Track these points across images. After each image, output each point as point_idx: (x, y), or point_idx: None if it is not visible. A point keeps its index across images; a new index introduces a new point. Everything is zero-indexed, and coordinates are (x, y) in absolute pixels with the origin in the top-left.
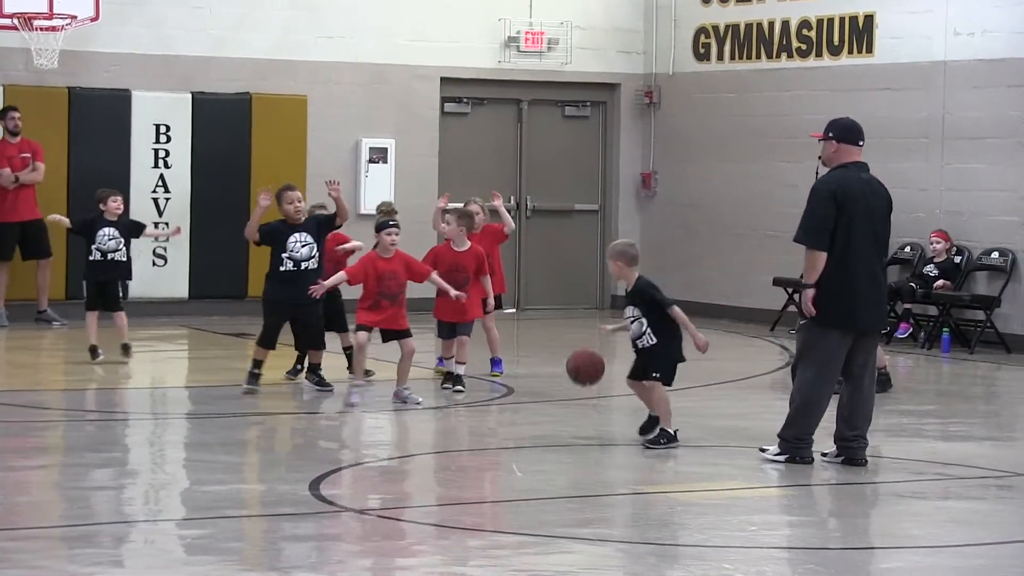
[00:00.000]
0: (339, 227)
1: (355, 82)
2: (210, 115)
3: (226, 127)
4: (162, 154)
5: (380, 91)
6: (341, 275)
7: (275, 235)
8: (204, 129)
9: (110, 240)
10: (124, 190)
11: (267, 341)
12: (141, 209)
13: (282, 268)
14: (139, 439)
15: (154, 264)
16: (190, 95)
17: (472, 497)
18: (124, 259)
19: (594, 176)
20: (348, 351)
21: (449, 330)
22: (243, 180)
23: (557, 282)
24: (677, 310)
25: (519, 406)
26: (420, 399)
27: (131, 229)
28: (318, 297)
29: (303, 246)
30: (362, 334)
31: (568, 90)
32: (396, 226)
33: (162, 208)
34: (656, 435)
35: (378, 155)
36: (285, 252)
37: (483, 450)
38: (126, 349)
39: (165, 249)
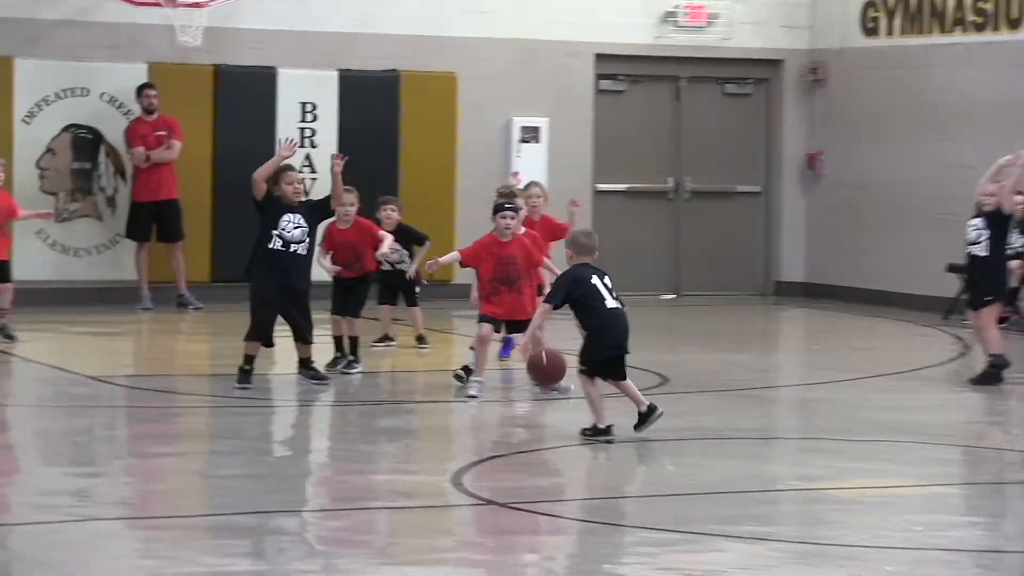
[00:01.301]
0: (334, 212)
1: (506, 59)
2: (357, 93)
3: (374, 106)
4: (308, 133)
5: (532, 68)
6: (456, 254)
7: (272, 205)
8: (351, 108)
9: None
10: None
11: (259, 333)
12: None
13: (270, 245)
14: (280, 426)
15: None
16: (336, 73)
17: (621, 491)
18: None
19: (756, 157)
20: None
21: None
22: (391, 161)
23: (717, 267)
24: (540, 306)
25: (673, 396)
26: (572, 386)
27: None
28: (433, 271)
29: (295, 228)
30: (485, 327)
31: (729, 67)
32: (512, 209)
33: (308, 189)
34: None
35: (530, 135)
36: (276, 229)
37: (632, 442)
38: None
39: None
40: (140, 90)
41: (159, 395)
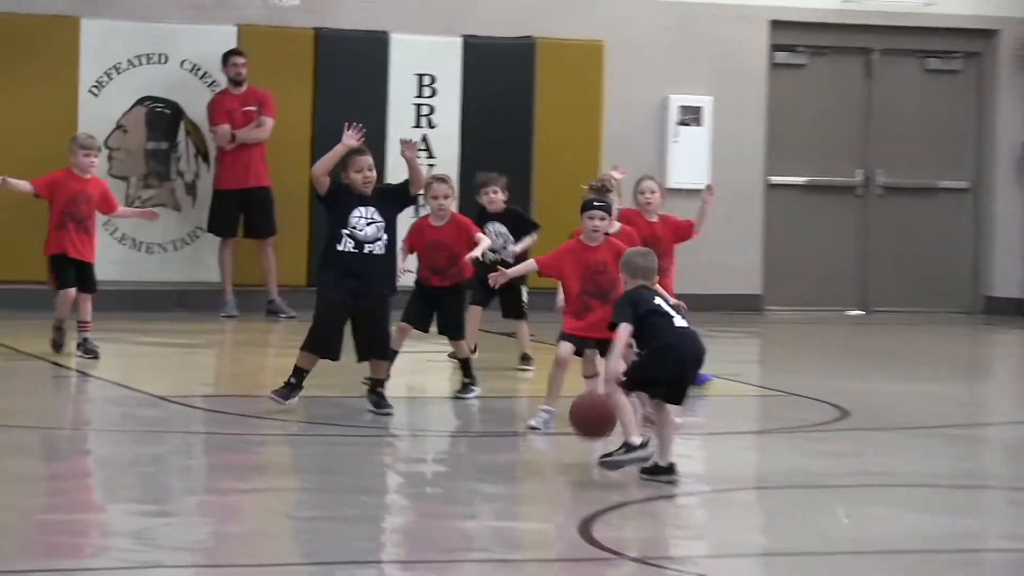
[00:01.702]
0: (415, 199)
1: (663, 25)
2: (485, 64)
3: (504, 79)
4: (425, 111)
5: (694, 37)
6: (531, 263)
7: (340, 198)
8: (477, 81)
9: None
10: (379, 153)
11: (318, 344)
12: (403, 177)
13: (339, 247)
14: (381, 459)
15: None
16: (460, 39)
17: (781, 547)
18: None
19: (964, 146)
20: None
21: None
22: (524, 145)
23: (914, 278)
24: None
25: (854, 432)
26: (540, 426)
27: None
28: (495, 286)
29: (368, 224)
30: (564, 346)
31: (932, 37)
32: (603, 207)
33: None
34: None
35: (690, 116)
36: (346, 228)
37: (799, 487)
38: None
39: None
40: (226, 58)
41: (241, 420)
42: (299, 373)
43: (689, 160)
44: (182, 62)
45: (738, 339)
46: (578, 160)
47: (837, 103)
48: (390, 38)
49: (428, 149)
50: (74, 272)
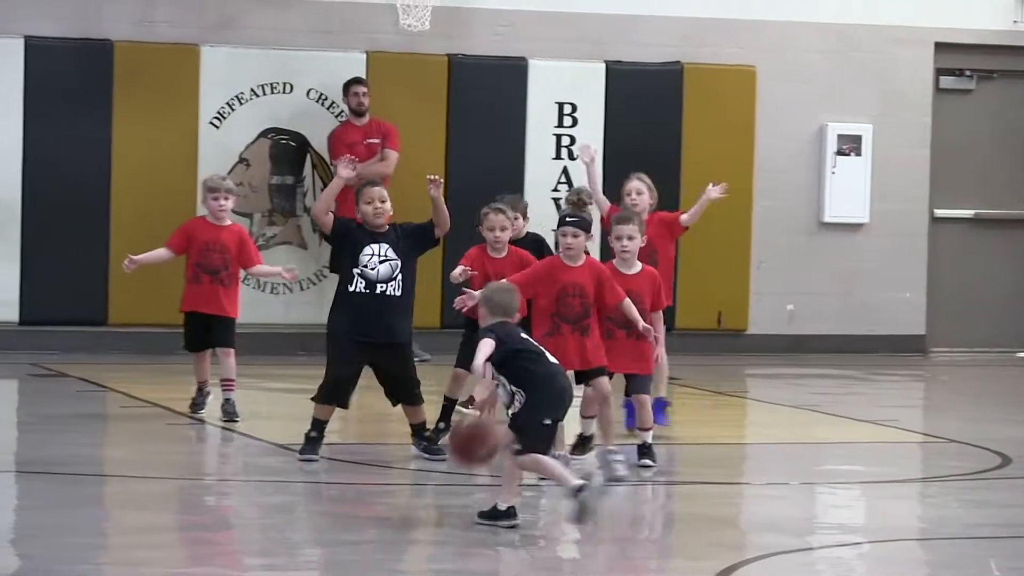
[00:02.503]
0: (438, 240)
1: (820, 48)
2: (630, 91)
3: (650, 107)
4: (566, 141)
5: (852, 61)
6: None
7: (348, 235)
8: (621, 109)
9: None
10: (517, 185)
11: (331, 394)
12: (538, 212)
13: (350, 288)
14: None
15: None
16: (603, 65)
17: None
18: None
19: None
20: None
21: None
22: (671, 175)
23: None
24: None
25: (1016, 482)
26: (626, 471)
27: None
28: (460, 309)
29: (382, 261)
30: (602, 381)
31: None
32: (578, 224)
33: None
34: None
35: (849, 145)
36: (357, 267)
37: (949, 539)
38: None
39: None
40: (347, 87)
41: (363, 468)
42: (318, 425)
43: (848, 192)
44: (308, 91)
45: (899, 383)
46: (728, 192)
47: (1007, 130)
48: (528, 64)
49: (570, 181)
50: (204, 330)
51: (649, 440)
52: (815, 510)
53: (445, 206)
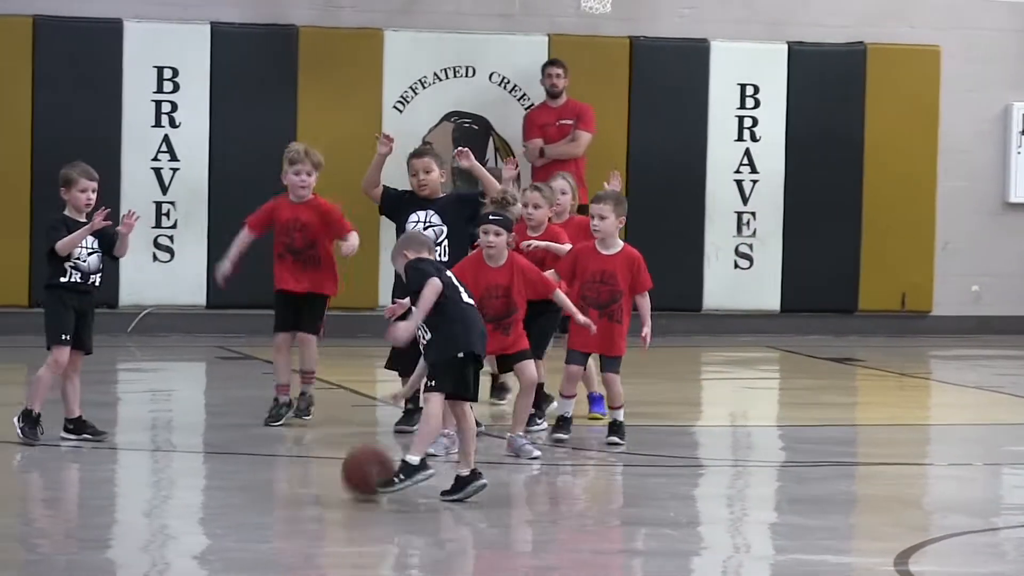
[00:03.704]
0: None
1: (1007, 27)
2: (811, 72)
3: (833, 87)
4: (748, 123)
5: None
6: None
7: (395, 205)
8: (803, 90)
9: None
10: (699, 168)
11: (393, 362)
12: (724, 196)
13: None
14: (686, 491)
15: (736, 266)
16: (785, 46)
17: None
18: None
19: None
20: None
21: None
22: (854, 158)
23: None
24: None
25: None
26: (538, 452)
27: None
28: (390, 318)
29: (427, 228)
30: (526, 365)
31: None
32: (499, 222)
33: (747, 193)
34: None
35: None
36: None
37: None
38: None
39: (751, 247)
40: (543, 68)
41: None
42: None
43: None
44: (491, 75)
45: None
46: (911, 174)
47: None
48: (711, 46)
49: (752, 164)
50: (293, 311)
51: (620, 418)
52: (1000, 491)
53: (488, 175)
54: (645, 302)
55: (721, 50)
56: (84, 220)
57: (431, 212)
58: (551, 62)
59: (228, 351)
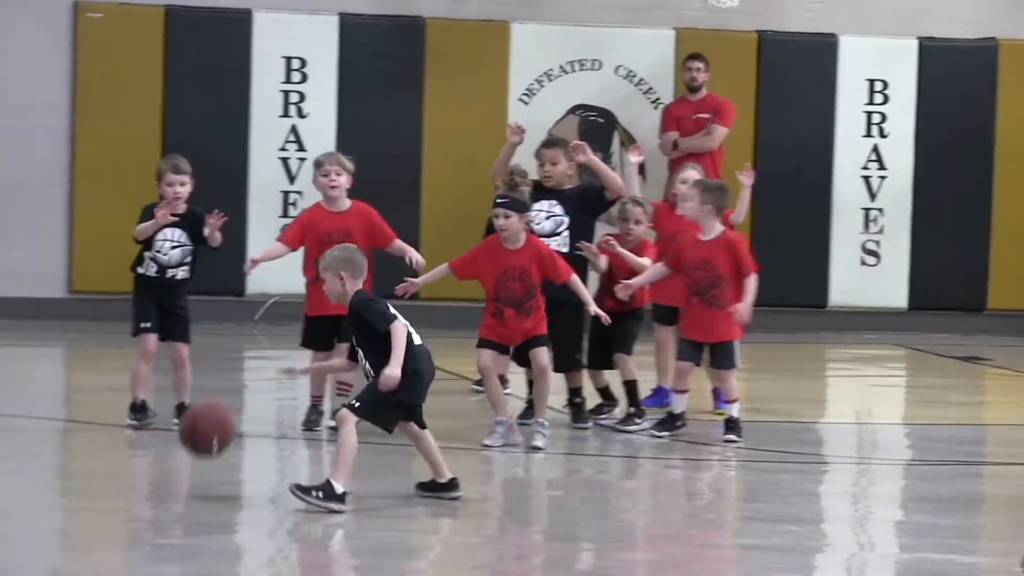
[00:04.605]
0: (612, 203)
1: None
2: (942, 68)
3: (964, 84)
4: (876, 119)
5: None
6: (443, 267)
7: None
8: (934, 86)
9: None
10: (825, 164)
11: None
12: (851, 192)
13: None
14: (831, 487)
15: (863, 263)
16: (916, 42)
17: None
18: None
19: None
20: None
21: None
22: (985, 155)
23: None
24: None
25: None
26: (543, 444)
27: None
28: (405, 296)
29: (548, 217)
30: (484, 353)
31: None
32: (509, 204)
33: (874, 190)
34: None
35: None
36: (534, 223)
37: None
38: None
39: (878, 244)
40: (683, 62)
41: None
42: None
43: None
44: (617, 68)
45: None
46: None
47: None
48: (839, 40)
49: (880, 160)
50: (331, 332)
51: (734, 414)
52: None
53: (606, 168)
54: (751, 283)
55: (850, 45)
56: (173, 213)
57: (554, 203)
58: (692, 56)
59: None
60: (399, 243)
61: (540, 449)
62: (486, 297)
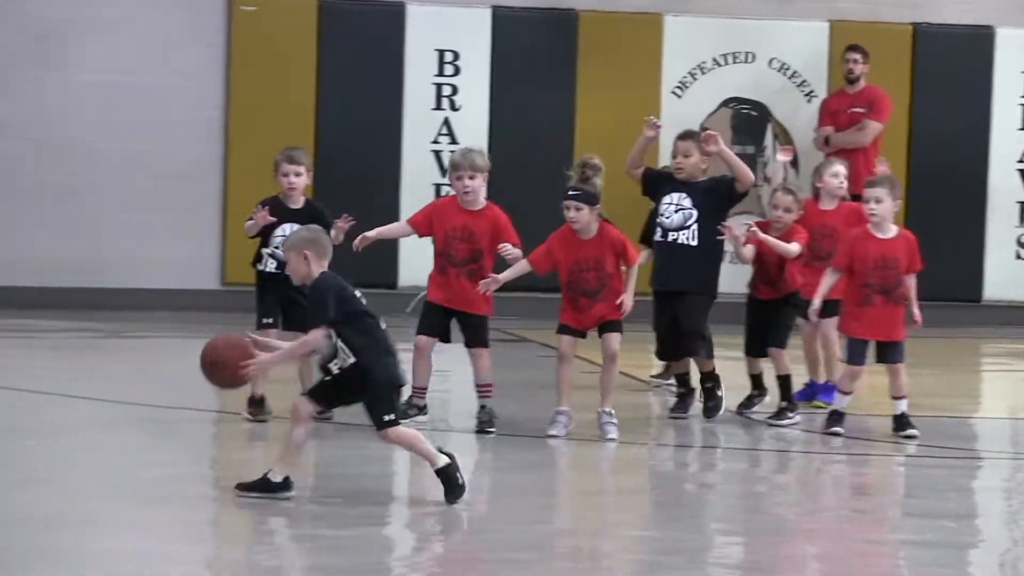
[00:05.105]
0: (743, 194)
1: None
2: None
3: None
4: None
5: None
6: (523, 264)
7: (655, 185)
8: None
9: None
10: (981, 157)
11: (660, 351)
12: (1007, 186)
13: (655, 237)
14: (985, 483)
15: (1018, 256)
16: None
17: None
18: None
19: None
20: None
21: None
22: None
23: None
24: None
25: None
26: (615, 435)
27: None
28: (487, 293)
29: (677, 210)
30: (565, 340)
31: None
32: (579, 197)
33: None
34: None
35: None
36: (663, 216)
37: None
38: None
39: None
40: (844, 53)
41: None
42: (680, 380)
43: None
44: (770, 61)
45: None
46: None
47: None
48: (996, 33)
49: None
50: (444, 322)
51: (903, 409)
52: None
53: (737, 160)
54: (912, 282)
55: (1006, 37)
56: (292, 205)
57: (684, 195)
58: (850, 47)
59: (505, 333)
60: (510, 247)
61: (614, 441)
62: (562, 286)
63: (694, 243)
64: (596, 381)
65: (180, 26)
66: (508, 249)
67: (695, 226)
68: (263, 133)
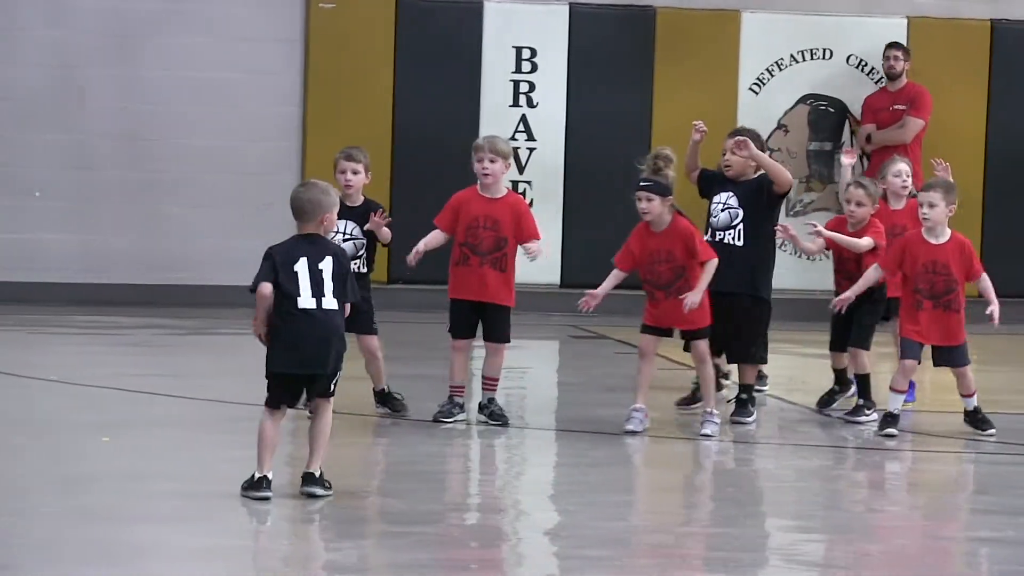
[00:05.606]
0: (781, 196)
1: None
2: None
3: None
4: None
5: None
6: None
7: (708, 184)
8: None
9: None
10: None
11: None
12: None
13: (706, 237)
14: None
15: None
16: None
17: None
18: None
19: None
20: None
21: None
22: None
23: None
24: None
25: None
26: (713, 432)
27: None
28: (588, 311)
29: (724, 210)
30: (645, 339)
31: None
32: (651, 188)
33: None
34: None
35: None
36: (712, 216)
37: None
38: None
39: None
40: (884, 50)
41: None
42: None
43: None
44: (848, 57)
45: None
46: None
47: None
48: None
49: None
50: (472, 318)
51: (973, 405)
52: None
53: (773, 163)
54: (986, 285)
55: None
56: (349, 203)
57: (731, 194)
58: (890, 44)
59: (581, 330)
60: (535, 244)
61: (710, 437)
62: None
63: (740, 243)
64: (673, 379)
65: (259, 23)
66: (532, 248)
67: (741, 225)
68: (340, 129)
